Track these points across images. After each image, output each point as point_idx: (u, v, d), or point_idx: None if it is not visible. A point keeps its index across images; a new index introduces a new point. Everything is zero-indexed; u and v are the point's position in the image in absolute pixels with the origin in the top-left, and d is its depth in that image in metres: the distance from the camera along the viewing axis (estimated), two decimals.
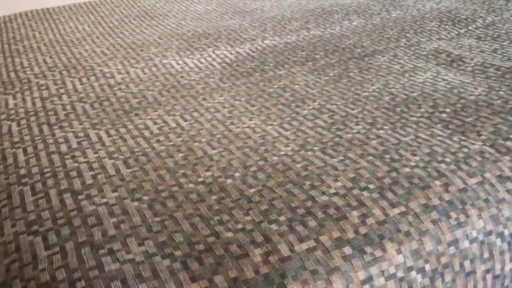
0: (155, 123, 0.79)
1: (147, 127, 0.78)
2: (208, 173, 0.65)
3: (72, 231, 0.54)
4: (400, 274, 0.52)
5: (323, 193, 0.58)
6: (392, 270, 0.52)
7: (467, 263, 0.56)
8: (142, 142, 0.73)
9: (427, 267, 0.54)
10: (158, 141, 0.74)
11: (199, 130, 0.76)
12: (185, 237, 0.53)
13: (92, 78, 0.99)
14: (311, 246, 0.51)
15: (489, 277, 0.57)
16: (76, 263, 0.49)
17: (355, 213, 0.55)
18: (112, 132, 0.77)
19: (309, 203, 0.57)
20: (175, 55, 1.09)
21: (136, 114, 0.83)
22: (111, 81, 0.97)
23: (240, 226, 0.54)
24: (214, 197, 0.60)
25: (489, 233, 0.57)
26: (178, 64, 1.04)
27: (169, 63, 1.04)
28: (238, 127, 0.77)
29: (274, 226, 0.54)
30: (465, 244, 0.56)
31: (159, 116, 0.82)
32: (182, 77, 0.97)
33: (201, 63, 1.04)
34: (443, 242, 0.55)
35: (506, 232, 0.58)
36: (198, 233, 0.53)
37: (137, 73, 1.00)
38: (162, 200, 0.60)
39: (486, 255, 0.57)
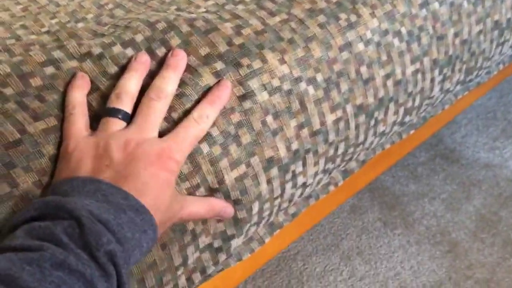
0: None
1: None
2: (54, 21, 0.52)
3: None
4: (286, 86, 0.44)
5: (191, 13, 0.48)
6: (275, 82, 0.44)
7: (363, 69, 0.49)
8: None
9: (319, 77, 0.46)
10: None
11: None
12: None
13: None
14: None
15: (389, 83, 0.51)
16: None
17: (228, 24, 0.46)
18: None
19: (172, 16, 0.46)
20: None
21: None
22: None
23: (86, 49, 0.44)
24: (61, 44, 0.48)
25: (385, 32, 0.50)
26: None
27: None
28: None
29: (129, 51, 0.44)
30: (360, 47, 0.49)
31: None
32: None
33: None
34: (334, 47, 0.47)
35: (403, 30, 0.51)
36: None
37: None
38: None
39: (384, 58, 0.50)
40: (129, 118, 0.39)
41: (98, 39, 0.45)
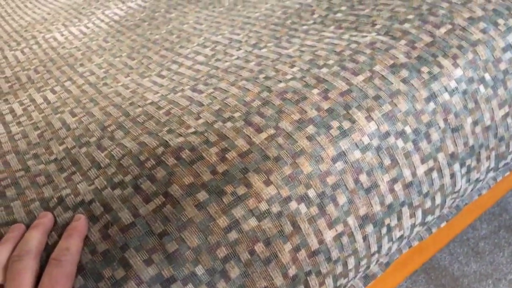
0: (21, 104, 0.68)
1: (12, 111, 0.67)
2: (62, 147, 0.54)
3: None
4: (275, 209, 0.42)
5: (180, 135, 0.48)
6: (263, 206, 0.42)
7: (363, 177, 0.45)
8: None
9: (310, 193, 0.43)
10: (18, 123, 0.63)
11: (66, 100, 0.65)
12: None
13: None
14: (159, 203, 0.41)
15: (398, 187, 0.47)
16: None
17: (213, 150, 0.45)
18: None
19: (160, 150, 0.46)
20: (61, 26, 0.97)
21: (5, 100, 0.72)
22: None
23: (80, 198, 0.44)
24: (64, 175, 0.50)
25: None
26: (62, 35, 0.92)
27: (52, 37, 0.92)
28: (111, 87, 0.66)
29: (117, 191, 0.44)
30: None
31: (28, 96, 0.71)
32: (63, 47, 0.86)
33: (88, 28, 0.92)
34: (326, 159, 0.44)
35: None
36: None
37: (15, 55, 0.89)
38: (1, 189, 0.50)
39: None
40: None
41: (93, 185, 0.46)
